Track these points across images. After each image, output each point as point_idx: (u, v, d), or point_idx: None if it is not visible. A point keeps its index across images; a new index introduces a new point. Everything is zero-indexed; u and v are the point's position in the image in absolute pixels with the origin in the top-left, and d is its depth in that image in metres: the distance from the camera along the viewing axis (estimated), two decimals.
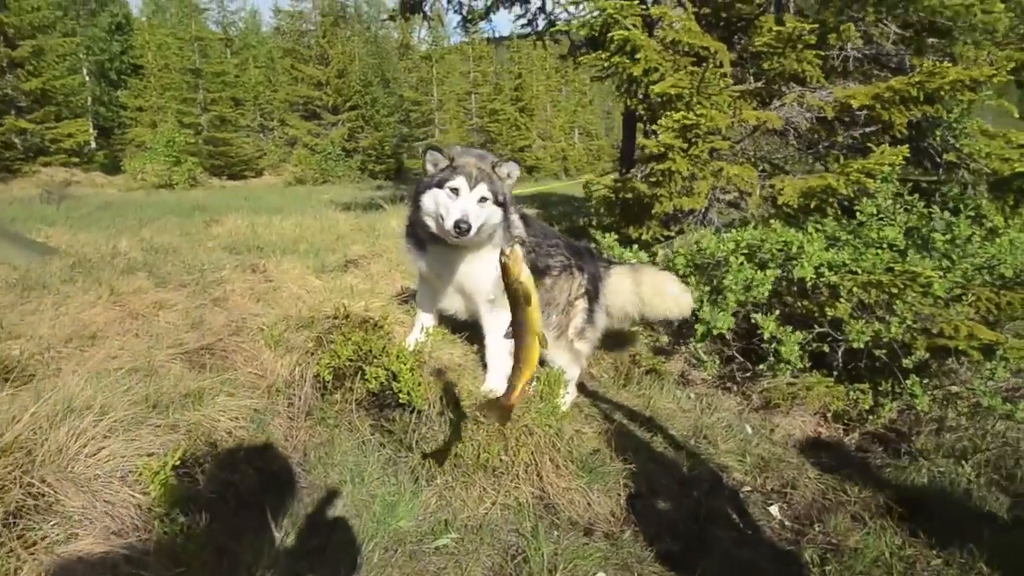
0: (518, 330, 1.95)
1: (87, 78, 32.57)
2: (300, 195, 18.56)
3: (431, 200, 2.76)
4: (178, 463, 1.99)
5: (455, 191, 2.69)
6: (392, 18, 7.87)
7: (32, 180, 20.80)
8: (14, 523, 1.54)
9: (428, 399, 2.94)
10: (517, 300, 1.90)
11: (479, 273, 2.94)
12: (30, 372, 2.67)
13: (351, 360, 3.01)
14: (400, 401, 2.93)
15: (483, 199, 2.72)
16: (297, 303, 3.84)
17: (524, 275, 1.88)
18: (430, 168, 2.82)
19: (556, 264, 3.36)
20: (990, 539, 2.76)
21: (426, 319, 3.33)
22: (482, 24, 8.12)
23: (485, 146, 37.24)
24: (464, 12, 7.44)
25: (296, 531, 2.39)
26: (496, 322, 3.00)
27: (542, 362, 3.24)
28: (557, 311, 3.34)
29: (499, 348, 3.00)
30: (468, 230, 2.59)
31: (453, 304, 3.18)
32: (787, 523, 3.08)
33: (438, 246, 2.92)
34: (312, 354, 3.12)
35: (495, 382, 3.00)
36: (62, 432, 1.83)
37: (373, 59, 41.86)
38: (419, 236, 3.00)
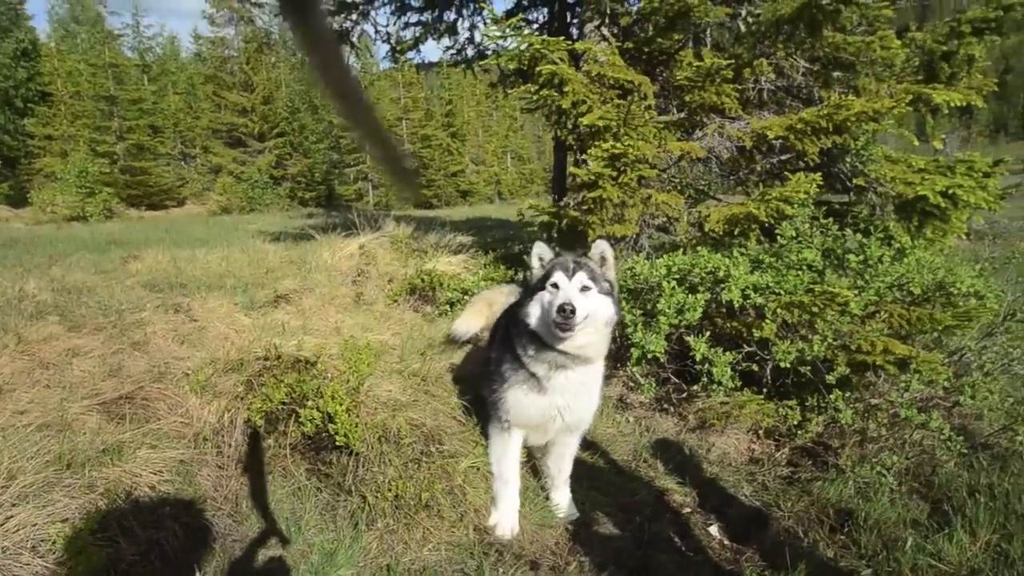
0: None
1: None
2: (226, 225, 17.90)
3: (535, 304, 2.63)
4: (96, 527, 1.85)
5: (555, 285, 2.58)
6: None
7: None
8: None
9: (366, 440, 2.87)
10: None
11: (593, 397, 2.87)
12: None
13: (284, 403, 2.90)
14: (337, 443, 2.84)
15: (584, 288, 2.58)
16: (225, 344, 3.67)
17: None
18: (535, 262, 2.75)
19: None
20: (913, 545, 2.90)
21: (515, 483, 2.93)
22: (410, 53, 8.15)
23: (417, 171, 37.17)
24: (392, 42, 7.47)
25: None
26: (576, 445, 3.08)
27: None
28: None
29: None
30: (571, 315, 2.42)
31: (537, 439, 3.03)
32: (727, 542, 3.15)
33: (554, 367, 2.69)
34: (242, 399, 2.99)
35: (571, 504, 3.13)
36: None
37: (300, 85, 41.21)
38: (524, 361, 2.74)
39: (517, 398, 2.76)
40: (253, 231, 13.24)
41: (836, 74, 4.33)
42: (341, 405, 2.82)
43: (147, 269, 6.31)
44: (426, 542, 2.67)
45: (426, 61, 11.22)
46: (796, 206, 3.92)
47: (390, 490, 2.70)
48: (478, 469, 2.91)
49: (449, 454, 2.93)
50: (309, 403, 2.86)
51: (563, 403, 2.75)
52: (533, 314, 2.61)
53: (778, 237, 4.16)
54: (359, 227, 7.52)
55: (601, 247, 2.69)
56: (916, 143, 4.82)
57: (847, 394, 3.91)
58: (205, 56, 35.84)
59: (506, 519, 2.87)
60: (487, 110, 43.67)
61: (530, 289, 2.70)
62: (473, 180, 39.62)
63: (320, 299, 4.89)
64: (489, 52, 4.48)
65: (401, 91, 37.24)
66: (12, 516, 1.75)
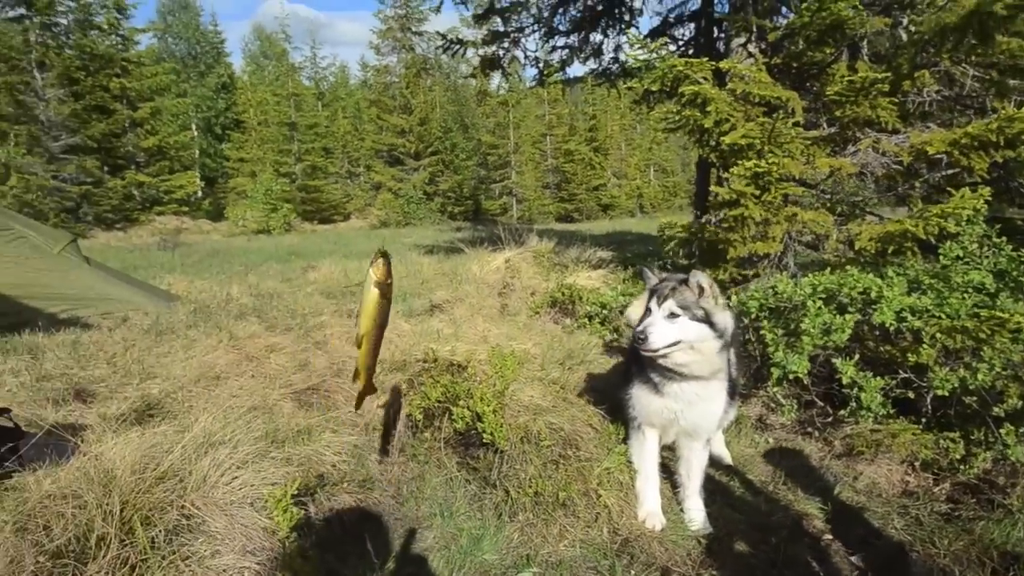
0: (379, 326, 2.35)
1: (196, 133, 35.72)
2: (385, 238, 19.49)
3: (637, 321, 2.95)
4: (295, 492, 2.28)
5: (649, 310, 2.86)
6: (474, 75, 8.39)
7: (148, 228, 22.95)
8: (172, 540, 1.85)
9: (509, 439, 3.15)
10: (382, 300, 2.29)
11: (712, 408, 3.05)
12: (167, 409, 3.07)
13: (439, 401, 3.27)
14: (484, 440, 3.15)
15: (672, 315, 2.78)
16: (389, 346, 4.16)
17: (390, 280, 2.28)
18: (648, 283, 3.02)
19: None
20: None
21: (655, 480, 3.19)
22: (556, 75, 8.49)
23: (560, 186, 37.80)
24: (540, 66, 7.86)
25: (393, 559, 2.62)
26: (705, 456, 3.22)
27: None
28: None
29: (702, 479, 3.23)
30: (644, 340, 2.72)
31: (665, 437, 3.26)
32: (870, 573, 3.04)
33: (666, 377, 2.95)
34: (404, 395, 3.41)
35: (702, 515, 3.21)
36: (205, 463, 2.16)
37: (453, 106, 43.69)
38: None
39: (639, 396, 3.08)
40: (409, 244, 14.34)
41: (1013, 82, 3.98)
42: (488, 406, 3.13)
43: (323, 278, 7.18)
44: (562, 538, 2.89)
45: (571, 76, 11.53)
46: (961, 223, 3.66)
47: (530, 487, 2.96)
48: (612, 473, 3.07)
49: (585, 458, 3.13)
50: (461, 403, 3.20)
51: (678, 408, 2.97)
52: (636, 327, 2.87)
53: (941, 258, 3.91)
54: (504, 241, 7.97)
55: (697, 277, 2.82)
56: None
57: (1021, 429, 3.58)
58: (370, 82, 39.17)
59: (652, 512, 3.08)
60: (630, 123, 43.35)
61: (645, 312, 2.93)
62: (615, 194, 39.49)
63: (469, 309, 5.32)
64: (633, 72, 4.62)
65: (546, 107, 38.14)
66: (237, 477, 2.22)
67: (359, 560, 2.51)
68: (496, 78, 8.63)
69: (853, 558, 3.18)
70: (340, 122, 39.72)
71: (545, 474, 3.05)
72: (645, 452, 3.16)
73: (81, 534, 1.77)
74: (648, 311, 2.83)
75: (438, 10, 17.13)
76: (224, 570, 1.84)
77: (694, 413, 2.99)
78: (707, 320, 2.79)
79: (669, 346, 2.75)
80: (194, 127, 35.77)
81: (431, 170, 34.56)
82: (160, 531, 1.85)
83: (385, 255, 2.31)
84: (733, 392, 3.40)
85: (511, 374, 3.37)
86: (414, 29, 36.09)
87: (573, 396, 3.77)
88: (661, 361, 2.85)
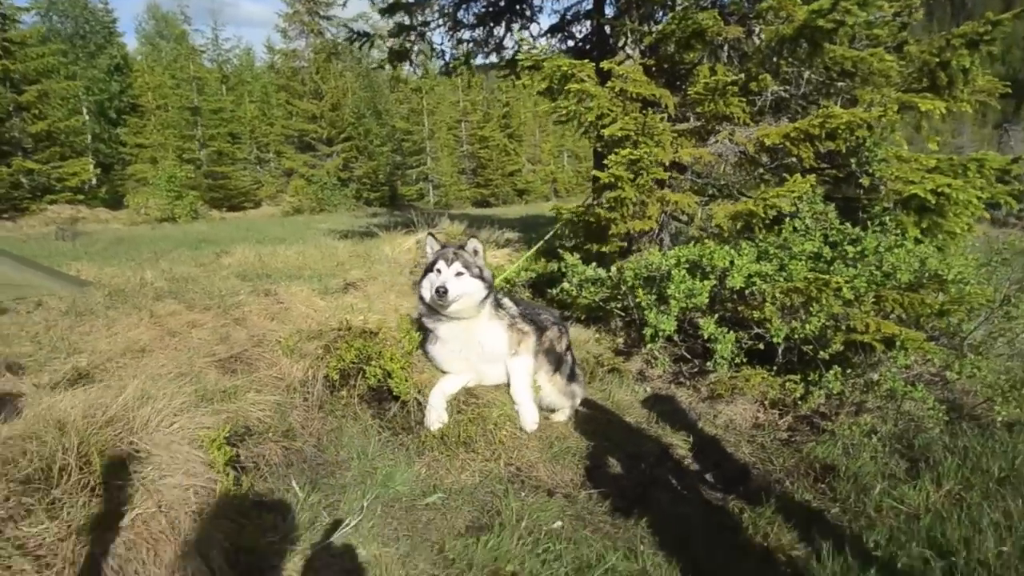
0: None
1: (87, 117, 33.51)
2: (299, 225, 19.31)
3: (427, 282, 3.58)
4: (227, 435, 2.65)
5: (438, 271, 3.53)
6: (381, 67, 8.66)
7: (40, 218, 21.57)
8: (125, 467, 2.19)
9: (412, 393, 3.63)
10: None
11: (487, 339, 3.69)
12: (97, 378, 3.32)
13: (354, 362, 3.68)
14: (394, 394, 3.61)
15: (459, 273, 3.51)
16: (306, 320, 4.52)
17: None
18: (428, 250, 3.75)
19: (549, 323, 4.15)
20: (880, 490, 3.39)
21: (448, 385, 3.75)
22: (462, 67, 8.89)
23: (476, 171, 38.20)
24: (447, 59, 8.25)
25: (316, 491, 3.03)
26: (519, 366, 3.77)
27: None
28: (556, 359, 4.09)
29: (525, 387, 3.76)
30: (445, 293, 3.39)
31: (462, 368, 3.81)
32: (719, 486, 3.72)
33: (446, 320, 3.64)
34: (321, 359, 3.79)
35: (530, 416, 3.73)
36: (146, 411, 2.48)
37: (366, 92, 43.05)
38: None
39: (430, 350, 3.83)
40: (324, 230, 14.38)
41: (840, 84, 4.78)
42: (397, 364, 3.58)
43: (237, 263, 7.32)
44: (464, 470, 3.39)
45: (479, 65, 11.87)
46: (794, 204, 4.42)
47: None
48: (508, 415, 3.60)
49: (484, 403, 3.64)
50: (373, 362, 3.63)
51: (457, 347, 3.70)
52: (425, 288, 3.60)
53: (782, 231, 4.67)
54: (417, 225, 8.36)
55: (473, 244, 3.67)
56: (906, 146, 5.21)
57: (848, 371, 4.37)
58: (278, 67, 37.95)
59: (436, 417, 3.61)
60: (544, 111, 44.15)
61: (425, 270, 3.69)
62: (530, 179, 40.36)
63: (382, 286, 5.71)
64: (536, 67, 5.11)
65: (460, 94, 38.34)
66: (175, 423, 2.55)
67: (285, 492, 2.91)
68: (407, 66, 8.92)
69: (707, 476, 3.87)
70: (247, 107, 38.34)
71: (450, 419, 3.54)
72: (442, 384, 3.72)
73: (45, 466, 2.07)
74: (437, 271, 3.54)
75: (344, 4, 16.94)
76: (172, 488, 2.21)
77: (473, 342, 3.69)
78: (481, 276, 3.59)
79: (458, 296, 3.46)
80: (85, 111, 33.49)
81: (345, 156, 34.06)
82: (113, 460, 2.19)
83: None
84: (573, 376, 4.19)
85: (416, 336, 3.84)
86: (322, 13, 35.23)
87: None
88: (443, 311, 3.54)
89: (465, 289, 3.50)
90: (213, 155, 30.96)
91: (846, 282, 4.22)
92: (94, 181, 29.84)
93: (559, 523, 3.14)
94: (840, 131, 4.19)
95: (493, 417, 3.60)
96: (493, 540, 2.87)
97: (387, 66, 8.35)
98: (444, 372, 3.80)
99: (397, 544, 2.79)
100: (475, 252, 3.64)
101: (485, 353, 3.71)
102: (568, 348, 4.26)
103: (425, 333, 3.89)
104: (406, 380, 3.55)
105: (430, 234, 3.82)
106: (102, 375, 3.37)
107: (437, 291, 3.40)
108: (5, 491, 1.99)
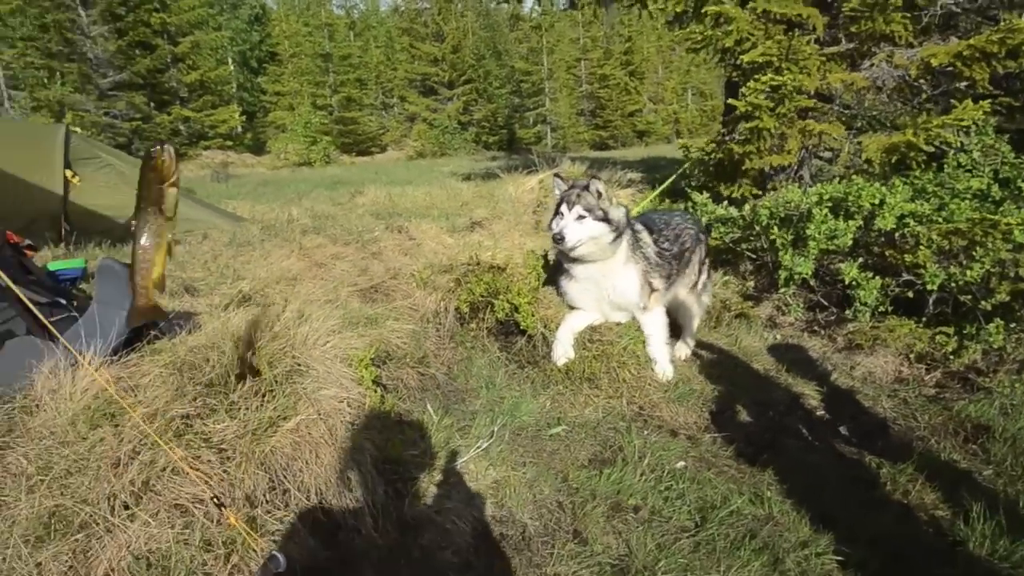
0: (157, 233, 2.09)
1: (232, 67, 36.02)
2: (423, 168, 19.96)
3: (554, 224, 3.54)
4: (372, 357, 2.88)
5: (561, 214, 3.48)
6: (506, 0, 8.53)
7: (196, 162, 23.82)
8: (289, 379, 2.47)
9: (538, 328, 3.71)
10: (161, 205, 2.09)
11: (619, 286, 3.64)
12: (258, 301, 3.70)
13: (483, 296, 3.82)
14: (521, 328, 3.72)
15: (581, 216, 3.41)
16: (436, 255, 4.72)
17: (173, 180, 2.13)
18: (556, 192, 3.67)
19: (688, 239, 4.06)
20: None
21: (575, 322, 3.79)
22: None
23: (595, 112, 37.21)
24: None
25: (448, 416, 3.24)
26: (653, 324, 3.75)
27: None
28: (695, 272, 4.09)
29: (660, 343, 3.76)
30: (562, 240, 3.37)
31: (592, 307, 3.81)
32: (854, 440, 3.54)
33: (579, 261, 3.60)
34: (452, 292, 3.97)
35: (667, 370, 3.77)
36: (304, 330, 2.76)
37: (486, 32, 42.79)
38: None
39: (562, 284, 3.78)
40: (447, 172, 14.79)
41: None
42: (524, 299, 3.67)
43: (370, 202, 7.74)
44: (587, 405, 3.47)
45: None
46: (959, 134, 3.94)
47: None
48: (632, 352, 3.61)
49: (608, 341, 3.67)
50: (501, 296, 3.75)
51: (589, 287, 3.64)
52: (553, 229, 3.52)
53: (944, 166, 4.19)
54: (538, 166, 8.36)
55: (596, 185, 3.50)
56: None
57: (1012, 324, 3.95)
58: (402, 9, 38.51)
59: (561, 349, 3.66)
60: (668, 45, 41.78)
61: (553, 212, 3.62)
62: (651, 120, 38.69)
63: (506, 225, 5.82)
64: None
65: (580, 31, 37.09)
66: (328, 342, 2.82)
67: (421, 414, 3.13)
68: (528, 2, 8.73)
69: (841, 428, 3.69)
70: (372, 52, 39.40)
71: (577, 354, 3.61)
72: (569, 320, 3.74)
73: (224, 372, 2.39)
74: (560, 215, 3.45)
75: None
76: (329, 399, 2.46)
77: (606, 285, 3.62)
78: (606, 219, 3.43)
79: (579, 241, 3.39)
80: (231, 61, 36.02)
81: (465, 99, 34.38)
82: (280, 372, 2.46)
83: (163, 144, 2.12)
84: (705, 287, 4.21)
85: (543, 272, 3.90)
86: None
87: None
88: (572, 253, 3.47)
89: (587, 233, 3.41)
90: (343, 101, 32.41)
91: (1018, 224, 3.75)
92: (240, 128, 32.31)
93: (683, 463, 3.15)
94: None
95: (616, 353, 3.62)
96: (616, 474, 2.94)
97: (507, 2, 8.21)
98: (572, 308, 3.81)
99: (524, 469, 2.93)
100: (598, 193, 3.51)
101: (616, 300, 3.67)
102: (704, 260, 4.23)
103: (558, 267, 3.89)
104: (532, 315, 3.64)
105: (556, 175, 3.78)
106: (261, 299, 3.75)
107: (554, 238, 3.40)
108: (193, 392, 2.31)
